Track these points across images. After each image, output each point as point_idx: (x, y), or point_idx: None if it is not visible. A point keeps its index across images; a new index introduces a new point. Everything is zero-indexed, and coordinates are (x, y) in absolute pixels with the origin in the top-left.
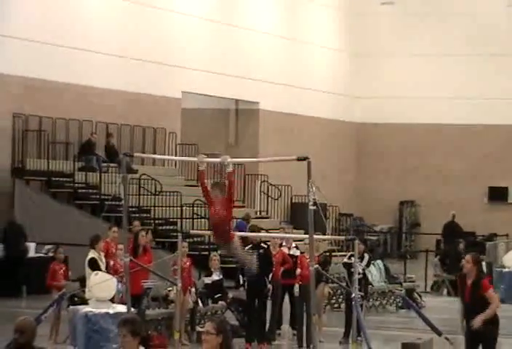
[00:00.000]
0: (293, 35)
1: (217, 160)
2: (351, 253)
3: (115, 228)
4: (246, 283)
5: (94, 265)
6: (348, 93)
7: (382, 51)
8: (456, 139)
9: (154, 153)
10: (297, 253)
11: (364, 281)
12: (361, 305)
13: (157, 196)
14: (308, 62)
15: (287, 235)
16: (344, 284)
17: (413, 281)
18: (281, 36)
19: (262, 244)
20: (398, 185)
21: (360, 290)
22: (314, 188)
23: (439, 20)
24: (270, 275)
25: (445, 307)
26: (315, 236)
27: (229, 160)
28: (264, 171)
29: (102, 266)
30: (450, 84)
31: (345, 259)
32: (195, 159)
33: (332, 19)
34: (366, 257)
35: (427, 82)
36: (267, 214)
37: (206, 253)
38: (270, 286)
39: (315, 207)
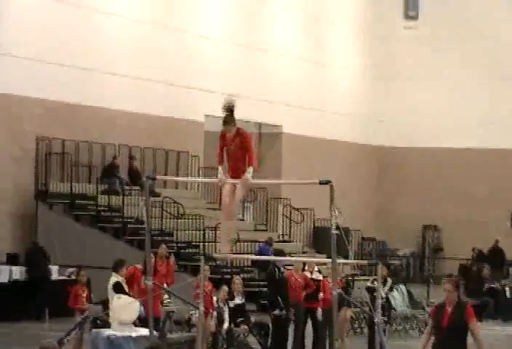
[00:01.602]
0: (316, 58)
1: (238, 181)
2: (374, 277)
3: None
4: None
5: (119, 289)
6: (370, 116)
7: (405, 75)
8: (478, 163)
9: (177, 176)
10: (320, 277)
11: (387, 306)
12: (384, 330)
13: (179, 219)
14: (331, 85)
15: (310, 259)
16: (367, 309)
17: None
18: (304, 59)
19: (280, 268)
20: (420, 209)
21: (383, 315)
22: (337, 212)
23: (462, 44)
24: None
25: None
26: (337, 260)
27: (251, 181)
28: (286, 195)
29: (127, 290)
30: (473, 108)
31: (368, 284)
32: (216, 180)
33: (355, 42)
34: (389, 281)
35: (449, 106)
36: (289, 238)
37: (229, 276)
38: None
39: (338, 231)
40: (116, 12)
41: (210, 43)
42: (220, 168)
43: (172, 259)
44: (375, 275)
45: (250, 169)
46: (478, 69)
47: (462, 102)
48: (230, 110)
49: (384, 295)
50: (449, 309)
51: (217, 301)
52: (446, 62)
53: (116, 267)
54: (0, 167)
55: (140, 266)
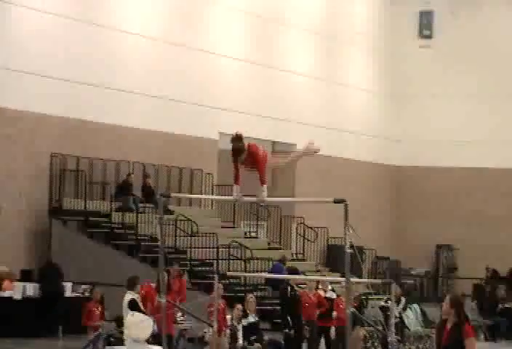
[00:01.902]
0: (330, 76)
1: (254, 199)
2: (388, 297)
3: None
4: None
5: (134, 307)
6: (385, 135)
7: (420, 94)
8: (495, 183)
9: (191, 194)
10: (334, 296)
11: (401, 325)
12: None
13: (193, 237)
14: (346, 104)
15: (323, 277)
16: (380, 328)
17: None
18: (319, 78)
19: (293, 286)
20: (435, 228)
21: (396, 334)
22: (351, 231)
23: (478, 62)
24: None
25: None
26: (351, 279)
27: (267, 200)
28: (300, 213)
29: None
30: (489, 127)
31: (382, 303)
32: (231, 198)
33: (370, 61)
34: (403, 300)
35: (465, 124)
36: (303, 256)
37: (242, 294)
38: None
39: (352, 250)
40: (132, 30)
41: (225, 62)
42: (235, 186)
43: (185, 277)
44: (389, 294)
45: (264, 188)
46: (495, 88)
47: (478, 121)
48: (239, 138)
49: (398, 314)
50: (449, 326)
51: (231, 319)
52: (463, 81)
53: (131, 285)
54: (14, 184)
55: (153, 285)
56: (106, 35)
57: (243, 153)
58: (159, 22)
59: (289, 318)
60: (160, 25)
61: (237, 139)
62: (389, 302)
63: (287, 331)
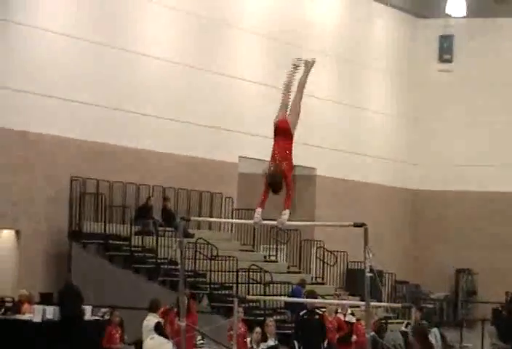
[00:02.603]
0: (350, 100)
1: (274, 223)
2: (408, 321)
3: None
4: None
5: (160, 330)
6: (405, 159)
7: (440, 118)
8: None
9: (210, 217)
10: (353, 319)
11: None
12: None
13: (213, 261)
14: (365, 128)
15: (343, 301)
16: None
17: None
18: (338, 101)
19: (317, 310)
20: (454, 252)
21: None
22: (371, 255)
23: (499, 87)
24: (326, 342)
25: None
26: (371, 303)
27: (286, 223)
28: (320, 237)
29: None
30: (509, 152)
31: (403, 328)
32: (251, 221)
33: (390, 85)
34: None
35: (485, 149)
36: (322, 279)
37: (262, 318)
38: None
39: (371, 274)
40: (154, 54)
41: (246, 86)
42: (259, 209)
43: (205, 300)
44: (409, 318)
45: (286, 212)
46: None
47: (498, 145)
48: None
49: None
50: None
51: (251, 342)
52: (484, 105)
53: (154, 307)
54: (34, 207)
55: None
56: (128, 59)
57: (280, 190)
58: (181, 47)
59: (296, 343)
60: (181, 49)
61: (277, 174)
62: (409, 326)
63: None
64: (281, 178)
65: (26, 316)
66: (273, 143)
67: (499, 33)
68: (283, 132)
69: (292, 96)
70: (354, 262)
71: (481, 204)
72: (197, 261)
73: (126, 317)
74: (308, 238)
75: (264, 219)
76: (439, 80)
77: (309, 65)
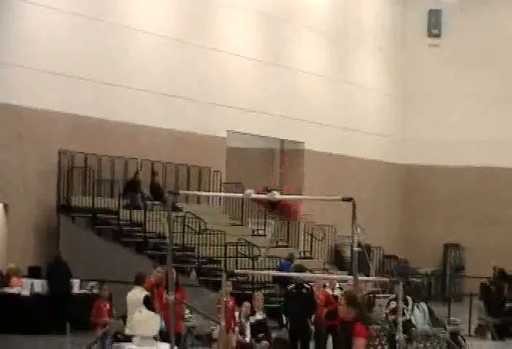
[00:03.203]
0: (340, 76)
1: (265, 196)
2: (392, 296)
3: (159, 268)
4: (288, 324)
5: (149, 304)
6: (395, 135)
7: (430, 93)
8: (504, 184)
9: (199, 191)
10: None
11: (409, 324)
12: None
13: (201, 235)
14: (355, 104)
15: (331, 276)
16: (387, 326)
17: (457, 325)
18: (328, 77)
19: (305, 284)
20: (443, 227)
21: (404, 332)
22: (359, 230)
23: (488, 60)
24: (313, 316)
25: None
26: (359, 278)
27: (277, 196)
28: (308, 211)
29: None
30: (499, 127)
31: (392, 306)
32: (240, 195)
33: (380, 60)
34: (410, 301)
35: (476, 125)
36: (310, 254)
37: (250, 292)
38: (312, 327)
39: (359, 249)
40: (144, 29)
41: (234, 60)
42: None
43: (193, 274)
44: (393, 293)
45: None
46: (505, 87)
47: (488, 121)
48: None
49: (408, 317)
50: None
51: (239, 316)
52: (473, 80)
53: (139, 281)
54: (23, 181)
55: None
56: (119, 34)
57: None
58: (171, 21)
59: (283, 317)
60: (171, 24)
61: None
62: (392, 304)
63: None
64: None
65: (14, 290)
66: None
67: (486, 7)
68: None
69: None
70: (342, 236)
71: (470, 180)
72: (185, 235)
73: (114, 291)
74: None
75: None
76: (428, 55)
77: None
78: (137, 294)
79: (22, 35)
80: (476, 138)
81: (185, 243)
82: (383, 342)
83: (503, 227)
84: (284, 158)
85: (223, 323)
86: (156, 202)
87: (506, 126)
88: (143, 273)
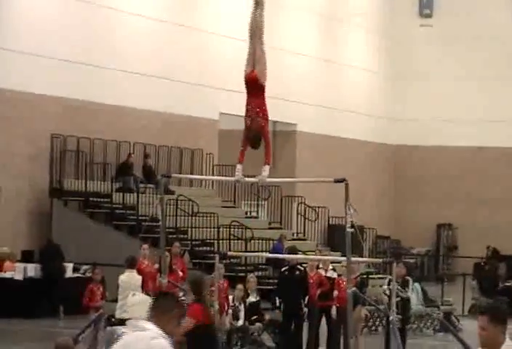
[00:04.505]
0: (330, 57)
1: (255, 180)
2: (390, 278)
3: (145, 246)
4: (282, 306)
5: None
6: (385, 115)
7: (421, 73)
8: (494, 162)
9: (191, 174)
10: (334, 275)
11: (407, 304)
12: (403, 329)
13: (194, 217)
14: (346, 84)
15: (324, 257)
16: (382, 307)
17: (450, 304)
18: (319, 58)
19: (298, 266)
20: (435, 207)
21: (399, 313)
22: (352, 210)
23: (479, 42)
24: (307, 298)
25: None
26: (352, 259)
27: (267, 180)
28: (301, 193)
29: None
30: (488, 107)
31: (385, 286)
32: (232, 179)
33: (371, 41)
34: (411, 282)
35: (464, 105)
36: (304, 236)
37: (243, 274)
38: (306, 309)
39: (352, 229)
40: (132, 11)
41: (226, 42)
42: (239, 165)
43: (186, 256)
44: (390, 274)
45: (266, 168)
46: (493, 67)
47: (476, 101)
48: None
49: (405, 296)
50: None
51: (233, 299)
52: (464, 60)
53: (134, 264)
54: (15, 165)
55: (156, 265)
56: (106, 16)
57: (259, 145)
58: (159, 3)
59: (277, 299)
60: (160, 6)
61: (254, 129)
62: (391, 283)
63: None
64: (258, 133)
65: (8, 274)
66: (246, 98)
67: None
68: (254, 85)
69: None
70: (335, 217)
71: (461, 159)
72: (178, 218)
73: (107, 274)
74: (288, 194)
75: (245, 176)
76: (420, 35)
77: (261, 3)
78: (129, 277)
79: (8, 18)
80: (466, 117)
81: (178, 225)
82: (377, 322)
83: (492, 205)
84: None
85: (216, 306)
86: (148, 185)
87: (495, 106)
88: (134, 256)
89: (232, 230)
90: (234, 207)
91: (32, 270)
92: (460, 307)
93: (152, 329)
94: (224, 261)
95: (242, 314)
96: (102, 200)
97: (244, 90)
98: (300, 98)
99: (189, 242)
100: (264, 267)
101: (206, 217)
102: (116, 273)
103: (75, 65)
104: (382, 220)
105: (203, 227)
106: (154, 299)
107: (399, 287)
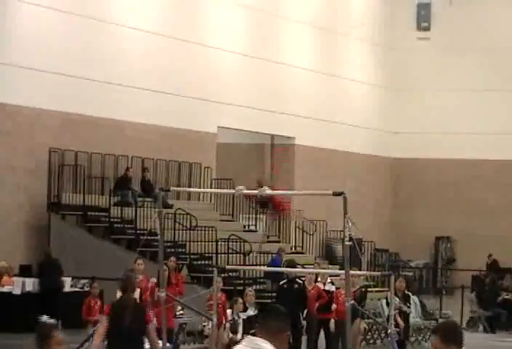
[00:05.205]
0: (329, 70)
1: (255, 192)
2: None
3: (139, 261)
4: None
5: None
6: (384, 128)
7: (419, 86)
8: (493, 174)
9: (190, 187)
10: (333, 288)
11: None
12: (403, 342)
13: (192, 231)
14: (344, 97)
15: (323, 270)
16: (380, 320)
17: (449, 317)
18: (317, 71)
19: (297, 279)
20: (434, 220)
21: (398, 326)
22: (350, 223)
23: (477, 55)
24: (305, 311)
25: (481, 344)
26: (350, 272)
27: (267, 192)
28: (299, 206)
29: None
30: (487, 119)
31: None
32: (232, 191)
33: (369, 54)
34: (411, 295)
35: (463, 117)
36: (302, 249)
37: (242, 288)
38: (304, 322)
39: (351, 243)
40: (131, 25)
41: (224, 56)
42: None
43: (184, 271)
44: (388, 287)
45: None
46: (492, 80)
47: (476, 113)
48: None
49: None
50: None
51: (232, 313)
52: (462, 73)
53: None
54: (13, 179)
55: (154, 279)
56: (106, 30)
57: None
58: (159, 17)
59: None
60: (159, 20)
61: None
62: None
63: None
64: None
65: (6, 288)
66: None
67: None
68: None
69: None
70: (333, 230)
71: (460, 172)
72: (176, 231)
73: (105, 288)
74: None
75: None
76: (418, 48)
77: None
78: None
79: (8, 33)
80: (465, 130)
81: (176, 239)
82: (376, 336)
83: (492, 217)
84: (276, 150)
85: (215, 320)
86: (146, 199)
87: (494, 118)
88: (128, 279)
89: (230, 243)
90: (232, 221)
91: (30, 284)
92: (459, 319)
93: None
94: (222, 274)
95: (241, 327)
96: (100, 214)
97: (242, 104)
98: (298, 111)
99: (187, 256)
100: (262, 280)
101: (205, 230)
102: (114, 286)
103: (74, 80)
104: (380, 233)
105: (201, 241)
106: (263, 317)
107: (398, 301)
